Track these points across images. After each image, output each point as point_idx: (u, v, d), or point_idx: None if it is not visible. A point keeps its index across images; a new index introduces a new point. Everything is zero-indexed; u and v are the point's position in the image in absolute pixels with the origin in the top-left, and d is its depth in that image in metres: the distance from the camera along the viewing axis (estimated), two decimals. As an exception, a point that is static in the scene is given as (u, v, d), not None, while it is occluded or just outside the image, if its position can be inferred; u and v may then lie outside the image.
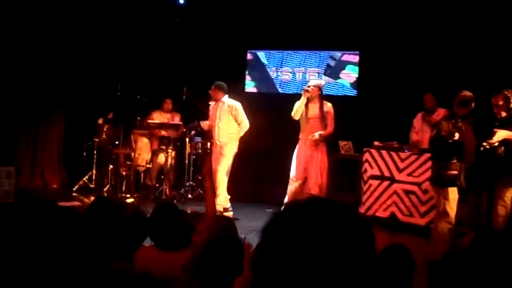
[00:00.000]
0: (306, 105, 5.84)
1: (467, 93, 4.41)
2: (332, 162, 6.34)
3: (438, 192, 4.53)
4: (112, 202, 2.38)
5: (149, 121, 7.50)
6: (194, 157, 7.38)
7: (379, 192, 6.20)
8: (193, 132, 7.34)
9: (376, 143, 6.39)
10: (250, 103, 6.75)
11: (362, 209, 6.32)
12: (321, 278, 0.86)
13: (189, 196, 7.17)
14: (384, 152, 6.22)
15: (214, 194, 6.01)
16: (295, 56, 8.73)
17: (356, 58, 8.37)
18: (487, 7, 6.81)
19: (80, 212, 2.49)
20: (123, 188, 7.22)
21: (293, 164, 5.92)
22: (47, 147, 7.87)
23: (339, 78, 8.49)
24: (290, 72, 8.75)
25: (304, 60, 8.69)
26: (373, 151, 6.31)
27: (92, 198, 3.96)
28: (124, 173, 7.34)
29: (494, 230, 4.26)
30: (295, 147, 5.98)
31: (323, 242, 0.87)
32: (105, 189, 7.23)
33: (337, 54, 8.49)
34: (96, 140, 7.59)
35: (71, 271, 1.48)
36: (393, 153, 6.15)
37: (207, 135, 6.93)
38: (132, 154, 7.44)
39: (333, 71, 8.51)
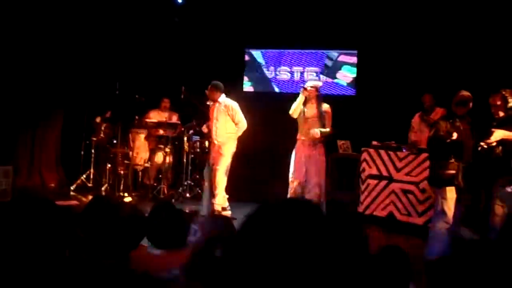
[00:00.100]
0: (304, 105, 5.84)
1: (466, 93, 4.42)
2: (330, 162, 6.34)
3: (436, 192, 4.55)
4: (110, 201, 2.37)
5: (147, 120, 7.50)
6: (192, 156, 7.37)
7: (377, 192, 6.21)
8: (191, 131, 7.33)
9: (374, 142, 6.41)
10: (248, 103, 6.74)
11: (360, 208, 6.34)
12: (288, 278, 0.86)
13: (187, 195, 7.17)
14: (382, 152, 6.23)
15: (212, 194, 6.01)
16: (293, 55, 8.73)
17: (352, 59, 8.40)
18: (486, 7, 6.82)
19: (78, 211, 2.48)
20: (121, 187, 7.20)
21: (292, 164, 5.92)
22: (45, 147, 7.85)
23: (336, 78, 8.51)
24: (288, 72, 8.75)
25: (302, 59, 8.70)
26: (371, 150, 6.32)
27: (90, 197, 3.96)
28: (122, 172, 7.33)
29: (492, 230, 4.28)
30: (293, 146, 5.98)
31: (292, 243, 0.88)
32: (103, 188, 7.22)
33: (334, 54, 8.50)
34: (94, 139, 7.58)
35: (69, 270, 1.48)
36: (391, 153, 6.16)
37: (206, 135, 6.92)
38: (130, 153, 7.42)
39: (330, 71, 8.53)
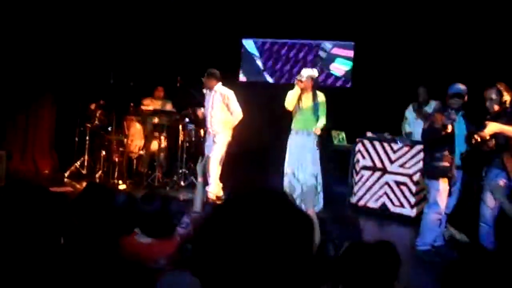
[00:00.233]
0: (299, 96, 5.82)
1: (461, 86, 4.44)
2: (324, 152, 6.35)
3: (429, 184, 4.58)
4: (104, 189, 2.38)
5: (143, 107, 7.47)
6: (187, 144, 7.36)
7: (370, 183, 6.25)
8: (186, 119, 7.32)
9: (368, 133, 6.42)
10: (244, 93, 6.72)
11: (353, 200, 6.37)
12: (253, 270, 0.87)
13: (182, 183, 7.17)
14: (376, 143, 6.25)
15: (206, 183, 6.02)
16: (288, 45, 8.69)
17: (345, 52, 8.42)
18: (481, 0, 6.81)
19: (72, 198, 2.49)
20: (115, 175, 7.19)
21: (287, 155, 5.93)
22: (38, 132, 7.82)
23: (330, 70, 8.52)
24: (283, 62, 8.72)
25: (297, 49, 8.67)
26: (366, 141, 6.34)
27: (84, 184, 3.95)
28: (116, 159, 7.31)
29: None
30: (287, 136, 5.97)
31: (257, 233, 0.88)
32: (97, 175, 7.21)
33: (328, 46, 8.49)
34: (89, 125, 7.54)
35: (62, 257, 1.48)
36: (385, 144, 6.19)
37: (201, 123, 6.91)
38: (125, 140, 7.40)
39: (324, 63, 8.53)
